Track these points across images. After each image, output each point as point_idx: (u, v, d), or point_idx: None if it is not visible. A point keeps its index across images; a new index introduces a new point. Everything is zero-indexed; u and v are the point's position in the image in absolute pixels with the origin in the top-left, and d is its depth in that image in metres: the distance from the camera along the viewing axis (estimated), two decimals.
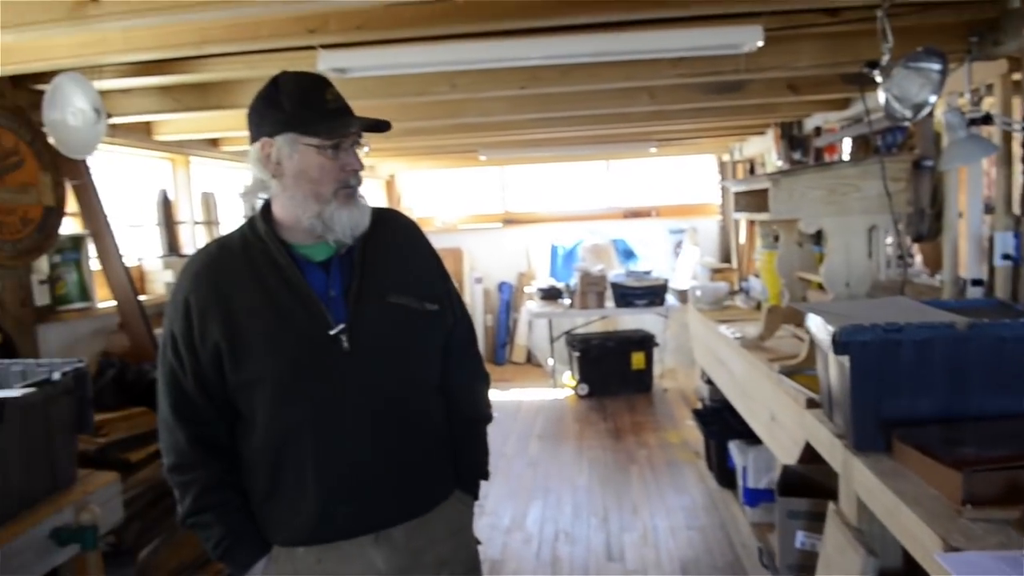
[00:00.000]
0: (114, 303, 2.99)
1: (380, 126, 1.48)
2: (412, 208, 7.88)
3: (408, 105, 3.26)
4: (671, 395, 6.30)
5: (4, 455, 1.74)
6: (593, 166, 7.70)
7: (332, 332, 1.43)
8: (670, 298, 6.32)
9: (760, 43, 2.03)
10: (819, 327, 2.06)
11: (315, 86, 1.44)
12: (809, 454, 2.53)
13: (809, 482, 2.62)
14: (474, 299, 7.72)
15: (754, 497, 3.65)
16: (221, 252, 1.50)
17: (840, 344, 1.89)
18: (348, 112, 1.46)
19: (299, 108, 1.40)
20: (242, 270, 1.46)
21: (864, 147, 3.92)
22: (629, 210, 7.64)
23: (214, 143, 4.15)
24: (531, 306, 6.63)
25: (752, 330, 3.60)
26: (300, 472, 1.46)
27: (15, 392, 1.77)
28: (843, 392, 2.01)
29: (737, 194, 3.27)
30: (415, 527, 1.53)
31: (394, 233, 1.60)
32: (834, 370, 2.06)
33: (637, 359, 6.34)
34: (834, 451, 2.10)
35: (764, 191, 3.14)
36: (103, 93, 2.89)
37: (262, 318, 1.43)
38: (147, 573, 2.46)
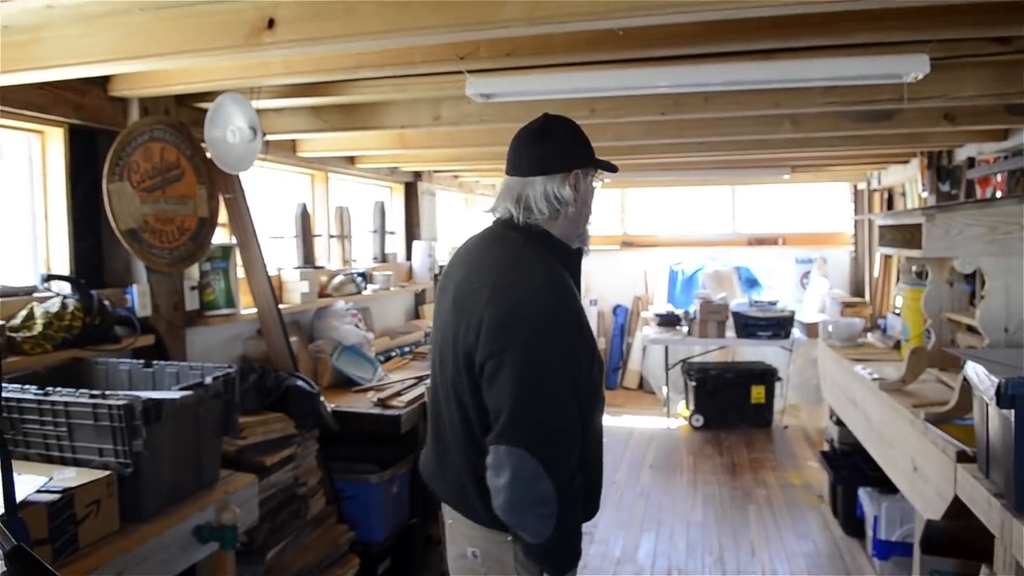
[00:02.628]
0: (255, 310, 3.15)
1: (613, 168, 1.75)
2: None
3: None
4: (792, 433, 6.02)
5: (158, 453, 1.85)
6: (717, 190, 7.52)
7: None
8: (796, 331, 6.06)
9: (925, 71, 1.92)
10: (980, 376, 1.91)
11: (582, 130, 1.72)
12: (955, 509, 2.35)
13: (955, 540, 2.43)
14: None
15: (885, 550, 3.42)
16: (557, 267, 1.61)
17: (1006, 397, 1.74)
18: None
19: (588, 145, 1.68)
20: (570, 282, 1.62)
21: (1023, 181, 3.63)
22: (754, 237, 7.40)
23: (351, 160, 4.32)
24: (647, 331, 6.51)
25: (891, 372, 3.39)
26: (595, 463, 1.66)
27: (173, 394, 1.88)
28: (1005, 448, 1.85)
29: (882, 227, 3.10)
30: None
31: None
32: (996, 424, 1.90)
33: (757, 393, 6.10)
34: (991, 511, 1.93)
35: (914, 226, 2.96)
36: (258, 112, 3.08)
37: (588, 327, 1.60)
38: (274, 572, 2.55)
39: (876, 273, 6.57)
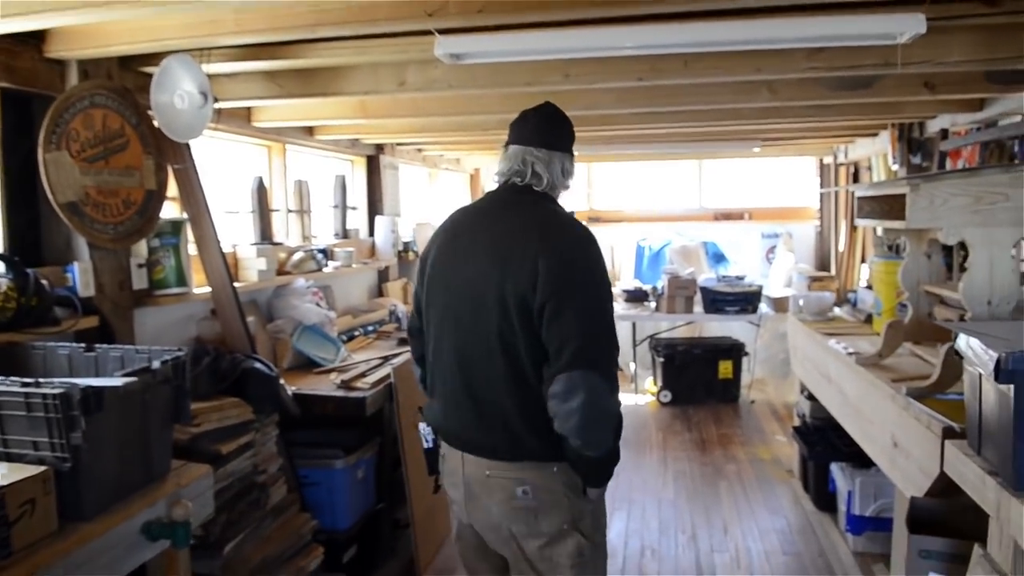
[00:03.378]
0: (208, 289, 2.96)
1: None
2: None
3: (514, 96, 3.13)
4: (759, 408, 6.01)
5: (100, 445, 1.69)
6: (684, 165, 7.45)
7: None
8: (763, 305, 6.03)
9: (922, 31, 1.82)
10: (976, 351, 1.84)
11: None
12: (940, 486, 2.30)
13: (943, 519, 2.38)
14: None
15: (859, 525, 3.40)
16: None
17: (1006, 372, 1.67)
18: None
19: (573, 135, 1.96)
20: None
21: (997, 154, 3.60)
22: (720, 212, 7.36)
23: (310, 132, 4.12)
24: (614, 308, 6.43)
25: (865, 346, 3.35)
26: None
27: (115, 381, 1.71)
28: (1001, 425, 1.78)
29: (861, 199, 3.03)
30: None
31: None
32: (991, 399, 1.83)
33: (724, 368, 6.08)
34: (985, 490, 1.86)
35: (895, 197, 2.90)
36: (210, 78, 2.88)
37: None
38: (232, 567, 2.41)
39: (842, 247, 6.58)
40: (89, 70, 2.50)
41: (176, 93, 2.45)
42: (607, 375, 1.70)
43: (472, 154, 6.73)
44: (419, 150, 5.86)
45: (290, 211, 4.08)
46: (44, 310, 2.22)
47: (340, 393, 3.03)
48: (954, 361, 2.44)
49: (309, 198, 4.17)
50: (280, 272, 3.71)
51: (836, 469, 3.53)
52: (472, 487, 1.85)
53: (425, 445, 2.00)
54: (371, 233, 5.05)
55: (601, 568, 1.91)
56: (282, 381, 2.81)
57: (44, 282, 2.26)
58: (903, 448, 2.55)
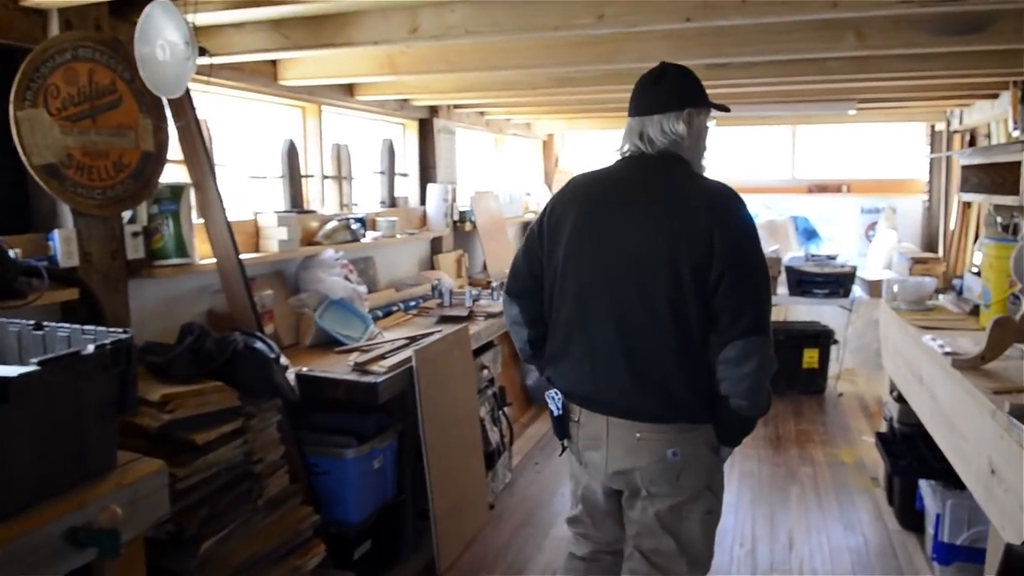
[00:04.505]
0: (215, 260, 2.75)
1: (725, 109, 2.02)
2: (570, 171, 7.38)
3: (550, 44, 2.76)
4: (847, 401, 5.44)
5: (10, 440, 1.47)
6: (775, 131, 6.81)
7: None
8: (857, 289, 5.43)
9: None
10: None
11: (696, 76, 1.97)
12: None
13: None
14: None
15: (948, 554, 2.90)
16: None
17: None
18: None
19: (704, 90, 1.94)
20: None
21: None
22: (815, 183, 6.69)
23: (350, 91, 3.85)
24: None
25: (967, 344, 2.82)
26: None
27: (23, 369, 1.48)
28: None
29: (966, 168, 2.50)
30: None
31: None
32: None
33: (810, 356, 5.52)
34: None
35: (1008, 166, 2.37)
36: (212, 28, 2.63)
37: None
38: (211, 565, 2.20)
39: (952, 225, 5.85)
40: (73, 20, 2.29)
41: (158, 44, 2.20)
42: (766, 339, 1.80)
43: (541, 119, 6.34)
44: (481, 114, 5.53)
45: (326, 177, 3.85)
46: (8, 281, 2.03)
47: (352, 377, 2.77)
48: None
49: (350, 163, 3.93)
50: (310, 242, 3.48)
51: (926, 487, 3.03)
52: (617, 451, 1.91)
53: (556, 413, 2.03)
54: (422, 202, 4.78)
55: (716, 525, 2.01)
56: (285, 362, 2.57)
57: (13, 252, 2.08)
58: (1002, 478, 2.07)
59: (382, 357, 2.93)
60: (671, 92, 1.90)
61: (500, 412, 3.93)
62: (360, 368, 2.82)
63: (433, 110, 4.77)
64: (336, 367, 2.90)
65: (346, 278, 3.40)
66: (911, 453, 3.17)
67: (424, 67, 3.05)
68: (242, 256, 2.97)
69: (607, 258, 1.87)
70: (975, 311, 3.42)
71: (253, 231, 3.17)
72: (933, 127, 6.18)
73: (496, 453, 3.80)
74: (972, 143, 5.74)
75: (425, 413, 2.92)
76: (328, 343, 3.19)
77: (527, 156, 7.05)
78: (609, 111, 5.43)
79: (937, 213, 6.19)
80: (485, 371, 3.77)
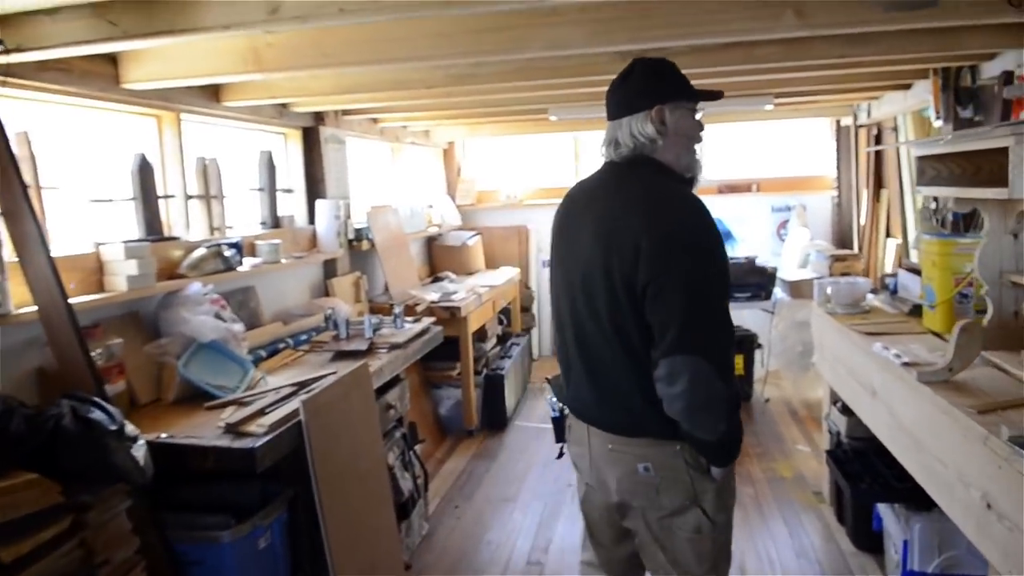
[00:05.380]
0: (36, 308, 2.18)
1: (719, 95, 1.88)
2: (473, 180, 6.98)
3: (444, 32, 2.33)
4: (775, 407, 5.23)
5: None
6: None
7: None
8: (778, 290, 5.24)
9: None
10: None
11: (675, 67, 1.85)
12: None
13: None
14: (540, 285, 6.80)
15: None
16: (685, 187, 1.83)
17: None
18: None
19: (678, 82, 1.83)
20: None
21: None
22: (725, 184, 6.52)
23: (214, 95, 3.31)
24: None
25: (922, 351, 2.56)
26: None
27: None
28: None
29: (924, 161, 2.23)
30: None
31: None
32: None
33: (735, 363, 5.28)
34: None
35: (982, 155, 2.11)
36: (17, 16, 2.08)
37: None
38: None
39: (863, 220, 5.77)
40: None
41: None
42: (713, 358, 1.66)
43: (441, 125, 5.91)
44: (374, 121, 5.05)
45: (191, 197, 3.29)
46: None
47: (223, 441, 2.24)
48: None
49: (219, 180, 3.38)
50: (172, 275, 2.93)
51: (887, 512, 2.76)
52: (596, 459, 1.91)
53: (552, 414, 2.10)
54: (311, 221, 4.26)
55: (722, 546, 1.90)
56: (132, 432, 2.03)
57: None
58: (1002, 513, 1.77)
59: (262, 412, 2.42)
60: (638, 91, 1.80)
61: (411, 454, 3.46)
62: (233, 429, 2.30)
63: (318, 117, 4.26)
64: (205, 429, 2.36)
65: (217, 316, 2.86)
66: (867, 472, 2.90)
67: (296, 61, 2.57)
68: (84, 297, 2.43)
69: (569, 271, 1.87)
70: (915, 311, 3.20)
71: (95, 266, 2.60)
72: (839, 122, 6.11)
73: (410, 502, 3.33)
74: (878, 138, 5.67)
75: (320, 474, 2.43)
76: (197, 397, 2.64)
77: (427, 166, 6.60)
78: (514, 114, 5.06)
79: (847, 209, 6.11)
80: (391, 411, 3.30)
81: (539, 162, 6.97)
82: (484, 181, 7.04)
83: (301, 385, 2.69)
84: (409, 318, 3.79)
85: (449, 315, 4.53)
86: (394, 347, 3.31)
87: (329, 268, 4.33)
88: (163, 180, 3.16)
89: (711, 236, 1.70)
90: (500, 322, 5.87)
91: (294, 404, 2.46)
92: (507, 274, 6.04)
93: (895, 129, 5.31)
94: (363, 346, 3.23)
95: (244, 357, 2.88)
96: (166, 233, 3.10)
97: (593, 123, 5.70)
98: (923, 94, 4.16)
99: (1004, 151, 2.10)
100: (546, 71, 2.98)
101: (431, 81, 3.14)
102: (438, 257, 6.21)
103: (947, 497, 2.11)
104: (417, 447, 3.67)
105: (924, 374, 2.26)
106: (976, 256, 2.19)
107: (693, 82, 1.86)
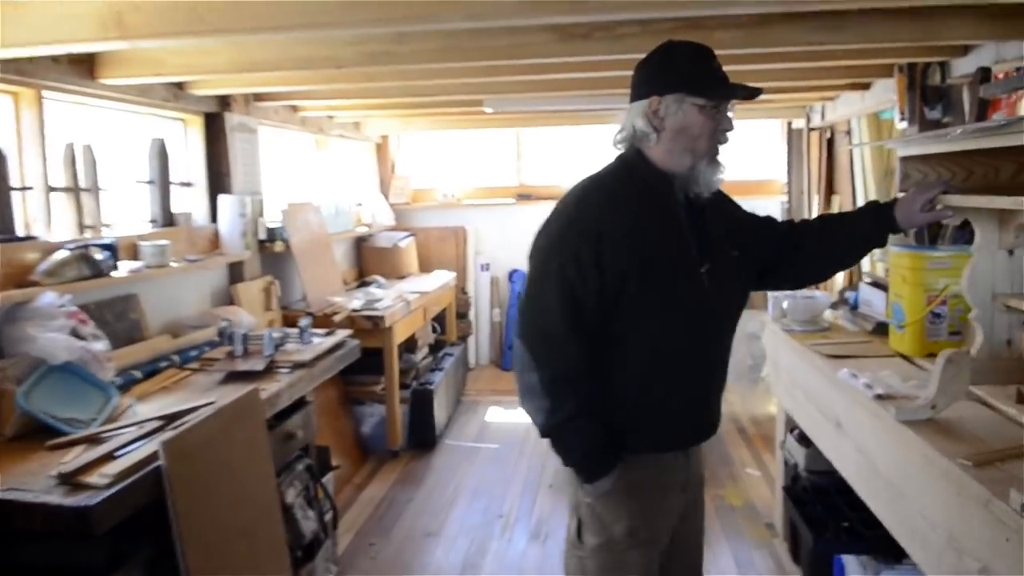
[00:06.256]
0: None
1: (755, 93, 1.66)
2: (408, 177, 6.54)
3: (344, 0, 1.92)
4: (723, 425, 4.85)
5: None
6: None
7: (701, 270, 1.68)
8: None
9: None
10: None
11: (704, 54, 1.66)
12: None
13: None
14: (478, 289, 6.40)
15: None
16: (617, 187, 1.71)
17: None
18: (728, 80, 1.65)
19: (691, 71, 1.63)
20: (640, 205, 1.68)
21: None
22: None
23: (88, 71, 2.82)
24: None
25: (894, 380, 2.23)
26: (668, 389, 1.71)
27: None
28: None
29: (909, 161, 1.90)
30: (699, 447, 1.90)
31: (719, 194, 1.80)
32: None
33: None
34: None
35: (972, 155, 1.79)
36: None
37: (662, 250, 1.66)
38: None
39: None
40: None
41: None
42: (529, 347, 1.68)
43: (372, 116, 5.47)
44: (293, 108, 4.58)
45: (54, 189, 2.79)
46: None
47: (52, 497, 1.78)
48: None
49: (94, 170, 2.89)
50: (22, 283, 2.44)
51: (854, 564, 2.44)
52: None
53: None
54: (214, 219, 3.78)
55: (591, 573, 1.79)
56: None
57: None
58: None
59: (111, 456, 1.96)
60: (645, 77, 1.69)
61: (318, 486, 3.02)
62: (68, 480, 1.83)
63: (224, 102, 3.78)
64: (37, 477, 1.89)
65: (74, 332, 2.38)
66: (830, 514, 2.58)
67: (166, 28, 2.10)
68: None
69: None
70: (880, 330, 2.90)
71: None
72: (790, 124, 5.86)
73: (314, 544, 2.90)
74: (831, 141, 5.42)
75: (187, 533, 1.98)
76: (41, 432, 2.16)
77: (359, 162, 6.14)
78: (447, 106, 4.64)
79: (798, 215, 5.87)
80: (293, 440, 2.86)
81: (479, 160, 6.57)
82: (420, 179, 6.61)
83: (170, 418, 2.23)
84: (321, 330, 3.35)
85: (372, 325, 4.10)
86: (298, 366, 2.87)
87: (235, 272, 3.85)
88: (20, 169, 2.67)
89: (555, 230, 1.68)
90: (433, 330, 5.46)
91: (153, 445, 2.00)
92: (442, 278, 5.63)
93: (848, 132, 5.07)
94: (259, 366, 2.78)
95: (107, 382, 2.40)
96: (23, 232, 2.60)
97: (534, 118, 5.32)
98: (883, 94, 3.90)
99: (1004, 154, 1.80)
100: (474, 52, 2.58)
101: (341, 59, 2.71)
102: (367, 260, 5.75)
103: (933, 561, 1.78)
104: (328, 476, 3.24)
105: (904, 411, 1.93)
106: (964, 274, 1.88)
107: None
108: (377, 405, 4.36)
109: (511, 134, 6.36)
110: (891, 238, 2.22)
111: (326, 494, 3.07)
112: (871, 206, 1.94)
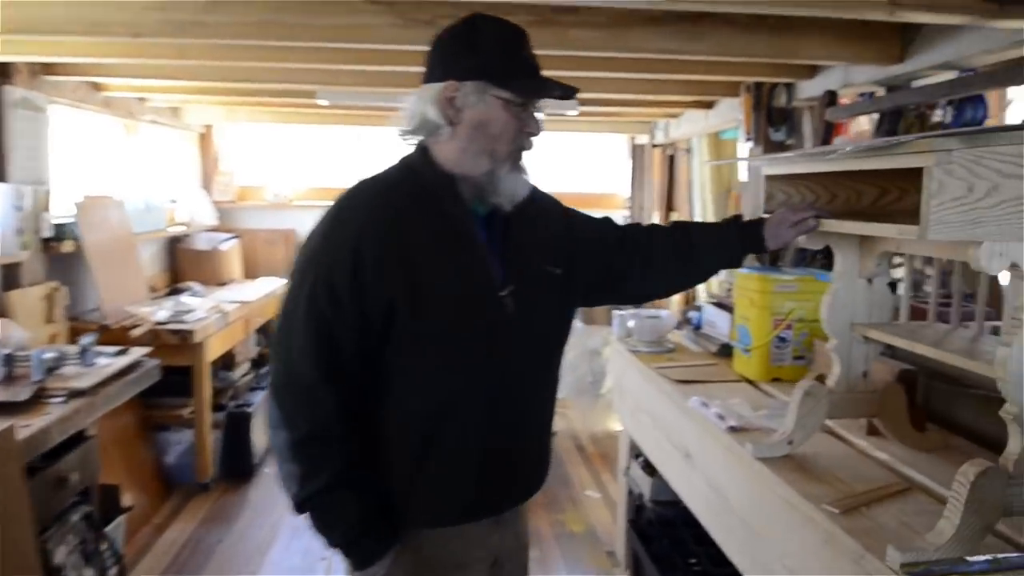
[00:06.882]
0: None
1: (571, 92, 1.39)
2: (233, 173, 5.97)
3: None
4: (561, 442, 4.79)
5: None
6: None
7: (502, 293, 1.39)
8: None
9: None
10: None
11: (517, 38, 1.39)
12: None
13: None
14: None
15: None
16: (389, 194, 1.40)
17: None
18: (540, 72, 1.40)
19: (498, 57, 1.36)
20: (416, 216, 1.37)
21: (892, 129, 2.56)
22: None
23: None
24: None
25: (744, 408, 2.13)
26: (460, 443, 1.40)
27: None
28: None
29: (774, 181, 1.77)
30: (522, 507, 1.60)
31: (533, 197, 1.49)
32: None
33: None
34: None
35: (835, 179, 1.69)
36: None
37: (444, 270, 1.36)
38: None
39: None
40: None
41: None
42: (276, 399, 1.36)
43: (191, 102, 4.91)
44: (95, 87, 3.97)
45: None
46: None
47: None
48: (982, 494, 1.25)
49: None
50: None
51: None
52: None
53: None
54: None
55: None
56: None
57: None
58: None
59: None
60: (442, 55, 1.39)
61: (100, 537, 2.53)
62: None
63: (2, 71, 3.16)
64: None
65: None
66: (678, 551, 2.44)
67: None
68: None
69: None
70: (724, 351, 2.84)
71: None
72: (634, 139, 5.90)
73: None
74: (672, 159, 5.50)
75: None
76: None
77: (178, 153, 5.51)
78: (278, 95, 4.22)
79: None
80: (67, 484, 2.36)
81: (315, 158, 6.12)
82: (248, 175, 6.05)
83: None
84: (112, 348, 2.84)
85: (180, 340, 3.59)
86: (75, 394, 2.37)
87: (9, 277, 3.22)
88: None
89: (313, 243, 1.38)
90: (258, 343, 4.96)
91: None
92: (269, 286, 5.13)
93: (688, 151, 5.15)
94: (23, 395, 2.27)
95: None
96: None
97: (378, 117, 4.97)
98: (727, 113, 3.93)
99: (867, 177, 1.71)
100: (301, 31, 2.23)
101: (140, 27, 2.26)
102: (182, 264, 5.15)
103: None
104: (118, 521, 2.75)
105: (760, 448, 1.81)
106: (824, 302, 1.78)
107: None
108: (185, 431, 3.84)
109: (350, 131, 5.97)
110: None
111: (110, 546, 2.58)
112: (735, 220, 1.73)
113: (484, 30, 1.37)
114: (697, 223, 1.91)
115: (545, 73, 1.43)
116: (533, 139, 1.42)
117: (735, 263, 1.76)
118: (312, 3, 2.12)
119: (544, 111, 1.44)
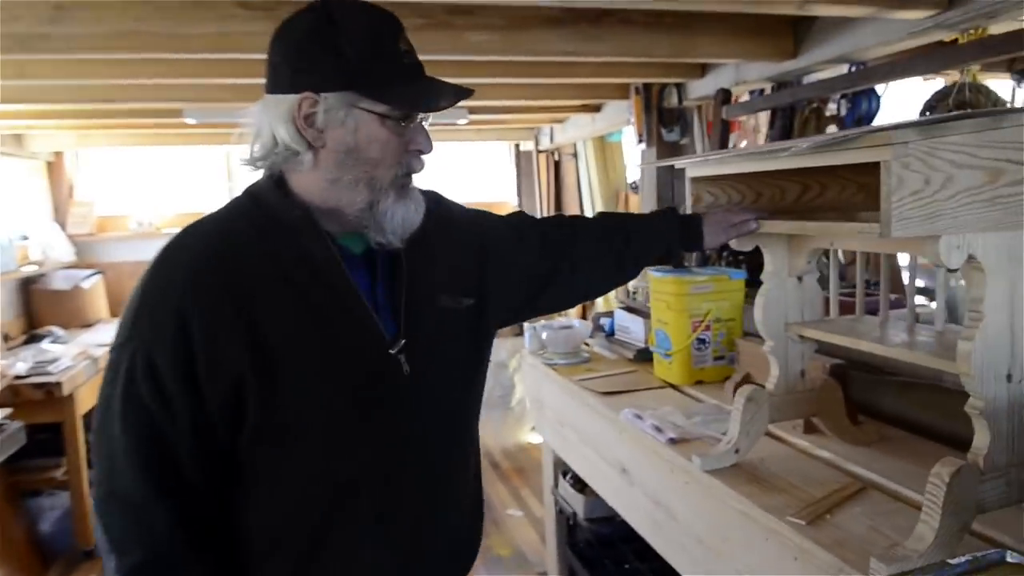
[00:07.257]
0: None
1: (465, 94, 1.13)
2: (92, 203, 5.46)
3: None
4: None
5: None
6: None
7: (393, 351, 1.12)
8: None
9: None
10: None
11: (389, 28, 1.08)
12: None
13: None
14: None
15: None
16: (228, 241, 1.08)
17: None
18: (423, 68, 1.13)
19: (368, 59, 1.05)
20: (264, 266, 1.07)
21: (789, 126, 2.60)
22: None
23: None
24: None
25: (677, 416, 2.07)
26: (351, 544, 1.12)
27: None
28: None
29: (698, 183, 1.70)
30: None
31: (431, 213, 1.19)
32: None
33: None
34: None
35: (758, 179, 1.64)
36: None
37: (304, 335, 1.06)
38: None
39: None
40: None
41: None
42: (100, 519, 1.05)
43: (36, 128, 4.44)
44: None
45: None
46: None
47: None
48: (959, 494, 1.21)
49: None
50: None
51: None
52: None
53: None
54: None
55: None
56: None
57: None
58: None
59: None
60: (287, 57, 1.07)
61: None
62: None
63: None
64: None
65: None
66: (620, 570, 2.35)
67: None
68: None
69: None
70: (641, 357, 2.79)
71: None
72: (518, 146, 5.84)
73: None
74: (557, 165, 5.49)
75: None
76: None
77: (24, 185, 4.97)
78: (139, 115, 3.86)
79: None
80: None
81: (182, 181, 5.70)
82: (108, 204, 5.54)
83: None
84: None
85: (45, 394, 3.19)
86: None
87: None
88: None
89: (129, 309, 1.05)
90: None
91: None
92: None
93: (575, 155, 5.14)
94: None
95: None
96: None
97: (248, 134, 4.66)
98: (614, 116, 3.92)
99: (789, 175, 1.68)
100: (164, 41, 1.97)
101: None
102: (39, 307, 4.65)
103: None
104: None
105: (708, 460, 1.74)
106: (757, 304, 1.73)
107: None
108: (60, 494, 3.42)
109: (223, 151, 5.59)
110: None
111: None
112: (672, 211, 1.58)
113: (344, 22, 1.06)
114: (628, 214, 1.78)
115: (449, 78, 1.16)
116: (424, 159, 1.16)
117: (670, 259, 1.66)
118: (174, 8, 1.89)
119: (430, 120, 1.17)
